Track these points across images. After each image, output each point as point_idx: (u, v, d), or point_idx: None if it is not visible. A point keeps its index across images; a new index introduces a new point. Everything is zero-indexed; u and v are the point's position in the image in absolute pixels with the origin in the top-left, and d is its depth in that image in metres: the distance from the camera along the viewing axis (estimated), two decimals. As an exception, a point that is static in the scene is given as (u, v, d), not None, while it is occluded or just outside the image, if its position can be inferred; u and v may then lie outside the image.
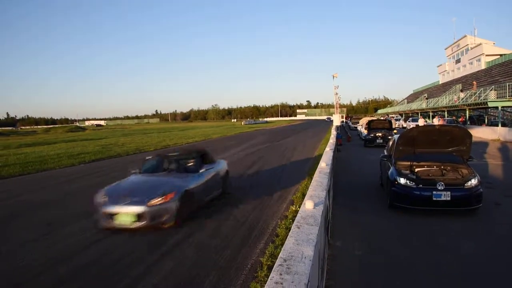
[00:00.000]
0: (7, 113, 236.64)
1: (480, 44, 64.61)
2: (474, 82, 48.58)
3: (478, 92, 37.29)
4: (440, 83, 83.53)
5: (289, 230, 7.02)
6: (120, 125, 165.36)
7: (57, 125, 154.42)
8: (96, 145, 35.17)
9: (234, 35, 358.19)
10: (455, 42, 76.15)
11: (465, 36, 71.24)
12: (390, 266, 6.22)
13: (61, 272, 6.18)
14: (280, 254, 3.06)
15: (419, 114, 60.17)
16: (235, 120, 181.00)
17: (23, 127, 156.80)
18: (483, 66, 62.61)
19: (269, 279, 2.61)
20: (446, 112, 47.77)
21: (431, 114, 54.27)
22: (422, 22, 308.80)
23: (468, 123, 40.68)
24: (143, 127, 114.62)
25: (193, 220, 8.85)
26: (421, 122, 40.29)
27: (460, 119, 43.31)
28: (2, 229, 8.83)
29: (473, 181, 8.84)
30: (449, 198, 8.57)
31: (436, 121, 31.84)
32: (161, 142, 36.23)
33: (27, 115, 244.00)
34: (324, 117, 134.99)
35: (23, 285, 5.76)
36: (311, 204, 4.45)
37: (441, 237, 7.50)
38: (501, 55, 59.36)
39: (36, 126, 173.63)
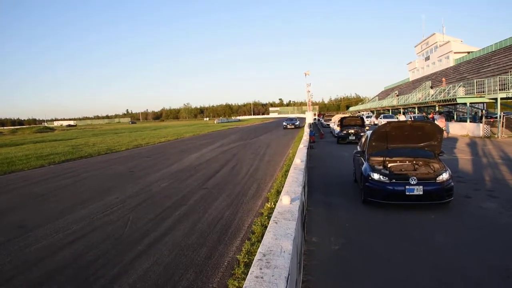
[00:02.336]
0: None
1: (449, 41, 66.26)
2: (443, 79, 49.78)
3: (447, 89, 38.13)
4: (410, 80, 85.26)
5: (265, 228, 7.04)
6: (91, 125, 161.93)
7: (24, 126, 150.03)
8: (66, 145, 34.42)
9: (205, 33, 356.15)
10: (424, 40, 77.88)
11: (434, 34, 72.97)
12: (366, 259, 6.31)
13: (35, 275, 6.04)
14: (259, 249, 3.07)
15: (390, 110, 61.25)
16: (208, 119, 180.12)
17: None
18: (451, 63, 64.19)
19: (249, 273, 2.61)
20: (416, 109, 48.74)
21: (402, 110, 55.27)
22: (392, 19, 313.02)
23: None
24: (114, 127, 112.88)
25: (168, 218, 8.82)
26: (401, 118, 41.33)
27: (430, 116, 44.23)
28: (-30, 233, 8.54)
29: (445, 175, 9.04)
30: (421, 193, 8.74)
31: (436, 117, 31.59)
32: (132, 142, 35.77)
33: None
34: (294, 115, 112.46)
35: (-6, 289, 5.60)
36: (288, 199, 4.48)
37: (415, 230, 7.65)
38: (468, 52, 60.93)
39: (1, 127, 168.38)
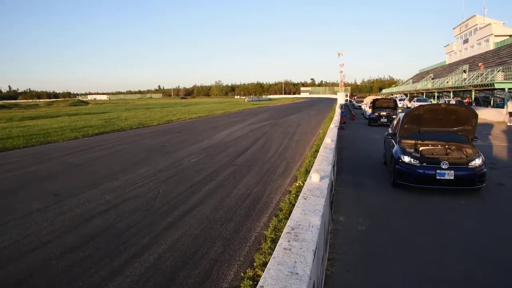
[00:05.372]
0: (9, 86, 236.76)
1: (489, 24, 63.33)
2: (480, 64, 48.12)
3: (485, 73, 36.96)
4: (446, 63, 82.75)
5: (293, 205, 7.08)
6: (123, 100, 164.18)
7: (59, 99, 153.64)
8: (99, 119, 35.18)
9: (238, 11, 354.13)
10: (464, 22, 74.95)
11: (474, 15, 69.89)
12: (393, 241, 6.30)
13: (69, 241, 6.28)
14: (287, 222, 3.12)
15: (424, 94, 59.95)
16: (238, 96, 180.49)
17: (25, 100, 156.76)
18: (491, 47, 61.59)
19: (277, 245, 2.66)
20: (451, 93, 47.50)
21: (436, 94, 54.01)
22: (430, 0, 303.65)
23: (474, 104, 40.47)
24: (146, 102, 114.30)
25: (197, 192, 8.98)
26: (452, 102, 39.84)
27: (465, 100, 43.09)
28: (11, 199, 8.91)
29: (477, 161, 8.85)
30: (452, 177, 8.60)
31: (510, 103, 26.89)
32: (164, 117, 36.27)
33: (29, 89, 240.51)
34: (326, 96, 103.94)
35: (31, 253, 5.84)
36: (317, 177, 4.50)
37: (444, 215, 7.56)
38: (510, 35, 58.46)
39: (38, 100, 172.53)
